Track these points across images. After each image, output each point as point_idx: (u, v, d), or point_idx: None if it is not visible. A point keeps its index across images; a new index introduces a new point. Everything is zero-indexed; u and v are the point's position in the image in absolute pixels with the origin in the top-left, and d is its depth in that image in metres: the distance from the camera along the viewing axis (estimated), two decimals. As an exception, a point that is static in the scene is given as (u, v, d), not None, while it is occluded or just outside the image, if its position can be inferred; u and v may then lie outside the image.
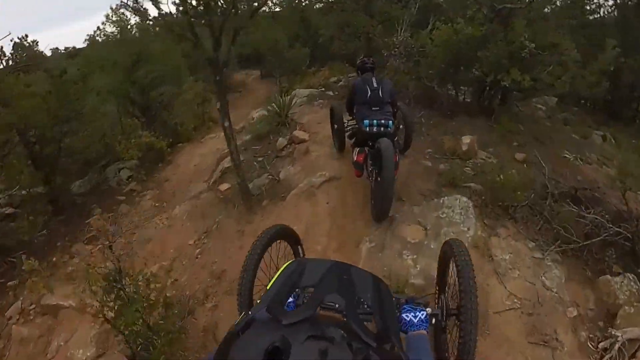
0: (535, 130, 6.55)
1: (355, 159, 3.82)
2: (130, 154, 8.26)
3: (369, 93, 3.70)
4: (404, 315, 1.44)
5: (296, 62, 11.51)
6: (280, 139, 6.06)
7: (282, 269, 1.46)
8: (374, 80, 3.81)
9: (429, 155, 5.35)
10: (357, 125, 3.97)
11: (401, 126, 4.35)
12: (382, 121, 3.59)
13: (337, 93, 9.86)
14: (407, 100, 6.82)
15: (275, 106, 6.72)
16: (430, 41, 6.14)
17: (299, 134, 5.97)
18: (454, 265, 1.77)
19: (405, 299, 1.54)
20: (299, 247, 2.30)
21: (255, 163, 5.90)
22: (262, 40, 11.72)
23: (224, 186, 5.67)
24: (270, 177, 5.20)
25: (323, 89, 11.13)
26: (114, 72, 8.29)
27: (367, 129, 3.62)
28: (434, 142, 5.67)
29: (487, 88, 6.13)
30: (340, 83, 10.84)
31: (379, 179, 3.44)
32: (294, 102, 8.52)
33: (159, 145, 8.55)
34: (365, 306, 1.30)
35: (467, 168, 4.79)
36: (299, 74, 12.13)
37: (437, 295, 2.08)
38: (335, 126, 4.81)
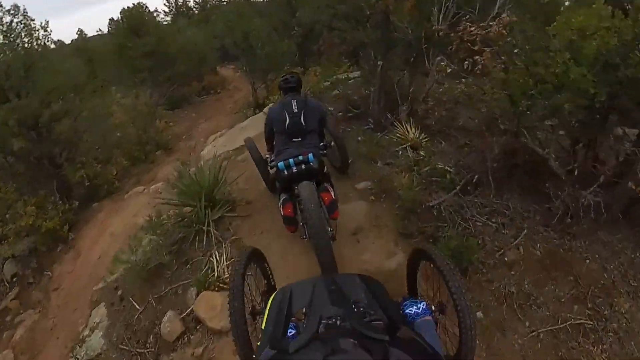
0: None
1: (282, 212, 2.73)
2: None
3: (288, 121, 2.77)
4: (407, 310, 1.42)
5: (276, 60, 7.54)
6: (167, 316, 2.42)
7: (269, 302, 1.35)
8: (294, 103, 2.80)
9: None
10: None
11: (332, 142, 3.32)
12: (300, 157, 2.65)
13: (330, 109, 6.01)
14: (473, 177, 2.93)
15: (185, 192, 3.02)
16: (557, 44, 2.17)
17: (205, 310, 2.30)
18: (436, 267, 1.58)
19: (402, 297, 1.55)
20: (266, 265, 2.02)
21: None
22: (226, 34, 7.80)
23: None
24: None
25: (310, 103, 7.16)
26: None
27: (285, 171, 2.68)
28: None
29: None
30: (336, 92, 6.94)
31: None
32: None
33: (47, 227, 5.11)
34: (364, 305, 1.24)
35: None
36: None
37: None
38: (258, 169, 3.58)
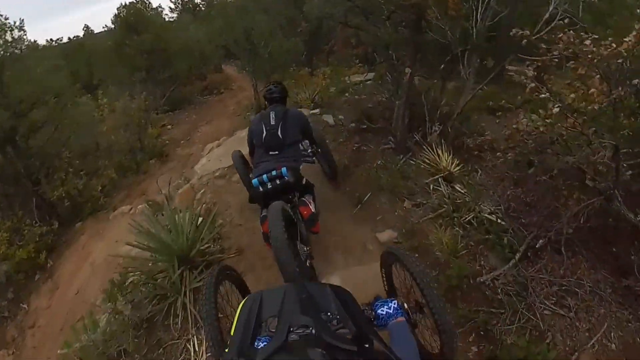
0: None
1: (262, 229, 2.55)
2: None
3: (264, 134, 2.67)
4: (379, 311, 1.41)
5: (281, 59, 6.75)
6: None
7: (239, 309, 1.30)
8: (272, 115, 2.71)
9: None
10: None
11: (319, 150, 3.30)
12: (274, 172, 2.50)
13: (341, 118, 5.28)
14: (537, 240, 2.15)
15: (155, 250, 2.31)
16: None
17: None
18: (404, 267, 1.61)
19: (374, 297, 1.54)
20: (241, 279, 1.98)
21: None
22: (227, 31, 7.05)
23: None
24: None
25: (317, 110, 5.93)
26: None
27: (260, 188, 2.53)
28: None
29: None
30: (346, 96, 6.21)
31: None
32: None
33: (20, 256, 4.50)
34: (333, 316, 1.19)
35: None
36: (288, 76, 7.44)
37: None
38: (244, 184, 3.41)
